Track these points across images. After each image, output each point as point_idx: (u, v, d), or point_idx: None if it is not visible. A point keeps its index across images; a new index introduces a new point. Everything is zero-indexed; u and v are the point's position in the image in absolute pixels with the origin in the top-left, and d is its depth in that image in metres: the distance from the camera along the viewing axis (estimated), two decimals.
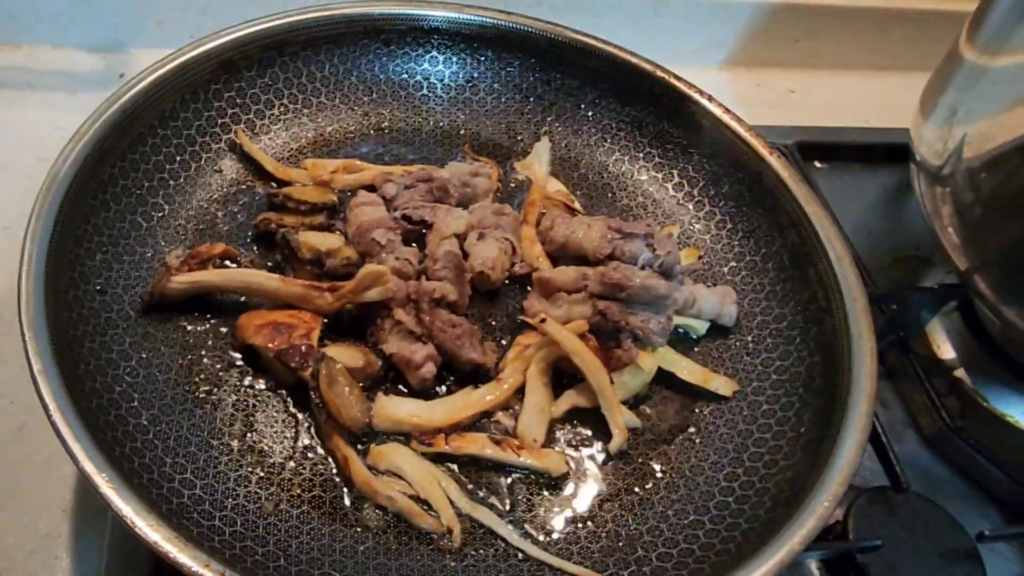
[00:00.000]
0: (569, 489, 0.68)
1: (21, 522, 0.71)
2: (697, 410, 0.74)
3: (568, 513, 0.66)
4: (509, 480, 0.67)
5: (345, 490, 0.64)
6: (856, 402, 0.67)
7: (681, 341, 0.78)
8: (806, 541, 0.60)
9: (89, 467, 0.55)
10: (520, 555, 0.63)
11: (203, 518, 0.59)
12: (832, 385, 0.71)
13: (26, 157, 0.93)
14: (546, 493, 0.67)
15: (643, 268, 0.75)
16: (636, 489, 0.69)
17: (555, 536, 0.65)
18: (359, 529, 0.63)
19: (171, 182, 0.79)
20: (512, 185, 0.88)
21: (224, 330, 0.72)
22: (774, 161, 0.82)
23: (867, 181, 1.09)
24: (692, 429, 0.73)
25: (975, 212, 0.70)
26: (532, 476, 0.68)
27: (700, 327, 0.78)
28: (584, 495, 0.68)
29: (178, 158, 0.80)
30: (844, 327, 0.72)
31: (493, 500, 0.66)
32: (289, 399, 0.69)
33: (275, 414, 0.68)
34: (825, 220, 0.79)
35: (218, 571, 0.52)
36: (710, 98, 0.88)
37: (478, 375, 0.71)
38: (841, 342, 0.72)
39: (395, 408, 0.68)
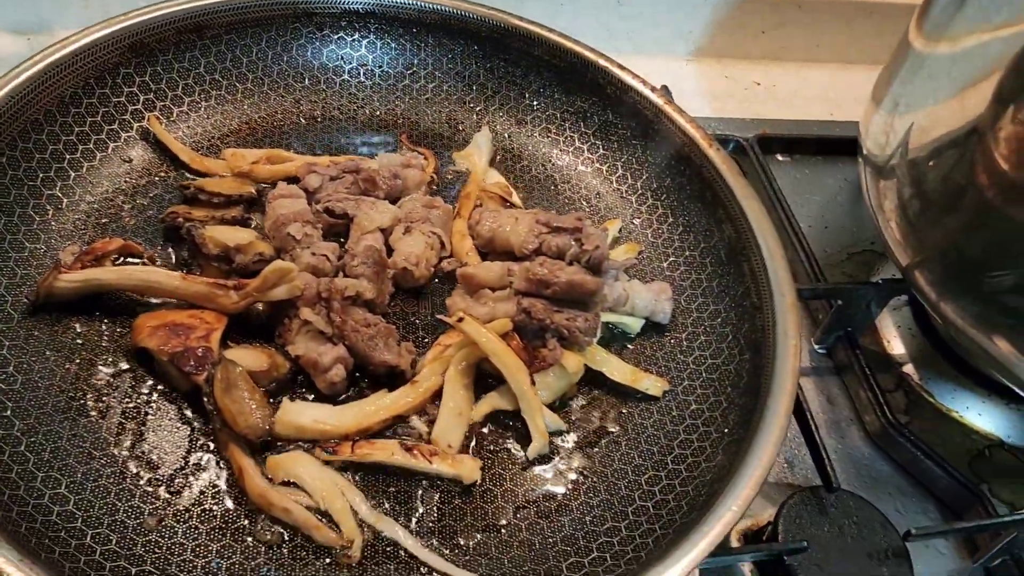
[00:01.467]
0: (483, 496, 0.64)
1: None
2: (626, 411, 0.70)
3: (481, 522, 0.62)
4: (420, 489, 0.63)
5: (239, 503, 0.60)
6: (775, 401, 0.64)
7: (616, 339, 0.74)
8: (708, 549, 0.56)
9: None
10: (424, 568, 0.59)
11: (71, 536, 0.55)
12: (757, 384, 0.67)
13: None
14: (458, 501, 0.63)
15: (570, 263, 0.71)
16: (555, 494, 0.65)
17: (465, 546, 0.61)
18: (251, 544, 0.59)
19: (71, 173, 0.74)
20: (450, 177, 0.84)
21: (120, 332, 0.67)
22: (714, 154, 0.78)
23: (827, 175, 1.05)
24: (618, 430, 0.69)
25: (915, 206, 0.67)
26: (445, 484, 0.64)
27: (635, 325, 0.74)
28: (499, 502, 0.64)
29: (80, 147, 0.75)
30: (771, 324, 0.69)
31: (401, 510, 0.62)
32: (186, 406, 0.65)
33: (168, 423, 0.64)
34: (760, 215, 0.75)
35: None
36: (653, 88, 0.83)
37: (393, 378, 0.67)
38: (768, 340, 0.68)
39: (299, 414, 0.64)
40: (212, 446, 0.63)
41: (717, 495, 0.58)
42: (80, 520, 0.56)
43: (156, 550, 0.57)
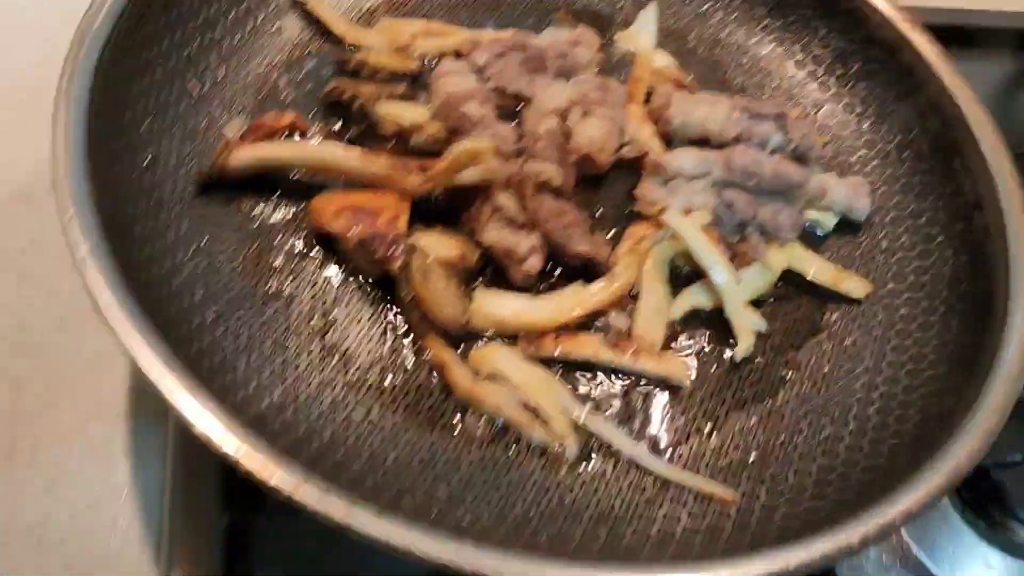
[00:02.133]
0: (690, 398, 0.60)
1: (69, 427, 0.64)
2: (826, 314, 0.66)
3: (690, 425, 0.59)
4: (624, 388, 0.60)
5: (444, 398, 0.57)
6: (1017, 308, 0.59)
7: (806, 237, 0.69)
8: (973, 461, 0.52)
9: (154, 369, 0.46)
10: (641, 469, 0.56)
11: (285, 429, 0.52)
12: (985, 290, 0.62)
13: (49, 20, 0.82)
14: (665, 402, 0.59)
15: (773, 153, 0.66)
16: (765, 399, 0.61)
17: (677, 450, 0.58)
18: (462, 441, 0.55)
19: (224, 42, 0.68)
20: (613, 60, 0.77)
21: (294, 214, 0.62)
22: (916, 37, 0.72)
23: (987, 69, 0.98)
24: (822, 334, 0.65)
25: None
26: (649, 383, 0.60)
27: (828, 221, 0.69)
28: (707, 405, 0.60)
29: (231, 14, 0.68)
30: (998, 225, 0.64)
31: (607, 409, 0.58)
32: (373, 294, 0.60)
33: (358, 311, 0.59)
34: (975, 105, 0.68)
35: (319, 488, 0.44)
36: None
37: (587, 270, 0.63)
38: (994, 242, 0.63)
39: (497, 306, 0.59)
40: (408, 337, 0.59)
41: (965, 405, 0.54)
42: (290, 411, 0.53)
43: (369, 444, 0.53)
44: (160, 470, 0.62)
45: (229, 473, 0.56)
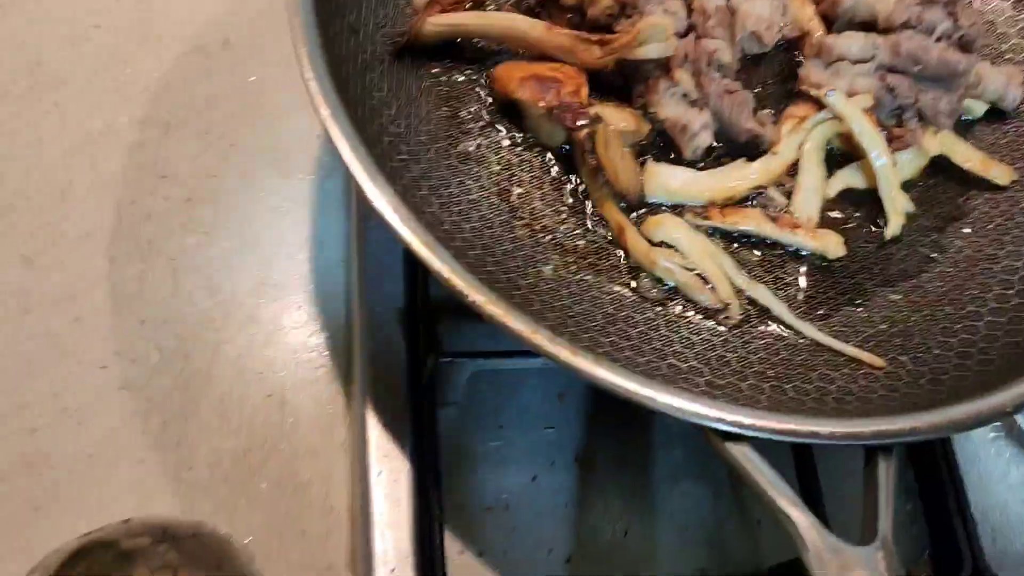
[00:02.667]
0: (841, 272, 0.65)
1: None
2: (970, 199, 0.69)
3: (840, 297, 0.64)
4: (780, 259, 0.64)
5: (621, 260, 0.62)
6: None
7: (955, 123, 0.71)
8: None
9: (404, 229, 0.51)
10: (797, 335, 0.62)
11: (492, 281, 0.57)
12: None
13: None
14: (819, 275, 0.64)
15: (939, 40, 0.67)
16: (910, 276, 0.65)
17: (828, 320, 0.63)
18: (637, 300, 0.61)
19: None
20: None
21: (476, 80, 0.66)
22: None
23: None
24: (966, 219, 0.68)
25: None
26: (804, 256, 0.65)
27: (978, 109, 0.71)
28: (858, 279, 0.65)
29: None
30: None
31: (765, 278, 0.64)
32: (552, 162, 0.65)
33: (540, 177, 0.64)
34: None
35: (545, 336, 0.50)
36: None
37: (750, 147, 0.66)
38: None
39: (669, 177, 0.64)
40: (587, 203, 0.63)
41: None
42: (491, 265, 0.58)
43: (560, 297, 0.59)
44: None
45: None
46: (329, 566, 0.63)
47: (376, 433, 0.63)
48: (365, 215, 0.70)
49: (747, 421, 0.50)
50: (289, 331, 0.70)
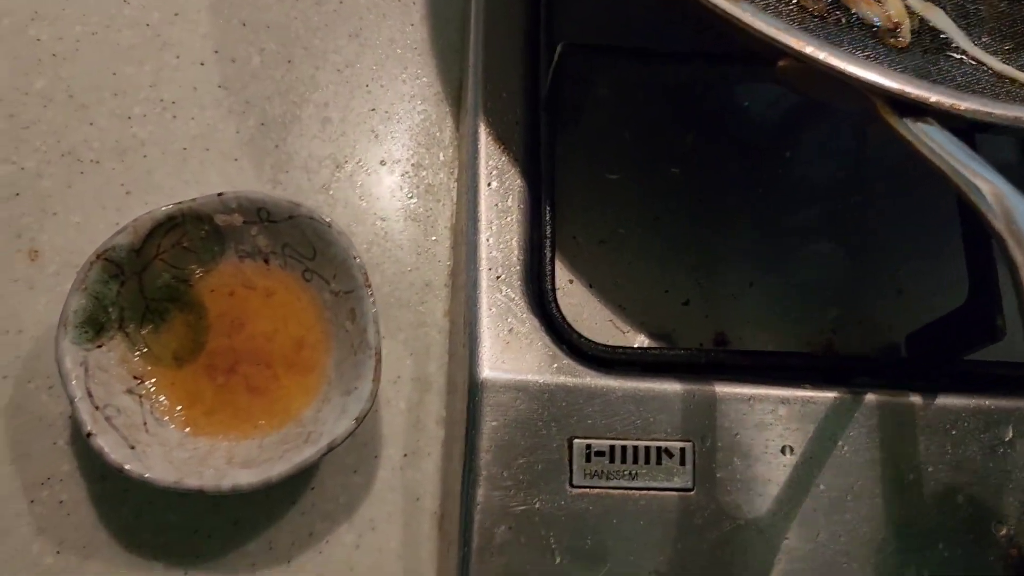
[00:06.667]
0: None
1: None
2: None
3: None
4: None
5: None
6: None
7: None
8: None
9: None
10: (976, 64, 0.54)
11: None
12: None
13: None
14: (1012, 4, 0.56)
15: None
16: None
17: (1020, 54, 0.55)
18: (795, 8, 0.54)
19: None
20: None
21: None
22: None
23: None
24: None
25: None
26: None
27: None
28: None
29: None
30: None
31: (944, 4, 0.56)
32: None
33: None
34: None
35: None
36: None
37: None
38: None
39: None
40: None
41: None
42: None
43: None
44: None
45: None
46: (427, 283, 0.59)
47: (488, 146, 0.58)
48: None
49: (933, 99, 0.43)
50: (399, 45, 0.65)
